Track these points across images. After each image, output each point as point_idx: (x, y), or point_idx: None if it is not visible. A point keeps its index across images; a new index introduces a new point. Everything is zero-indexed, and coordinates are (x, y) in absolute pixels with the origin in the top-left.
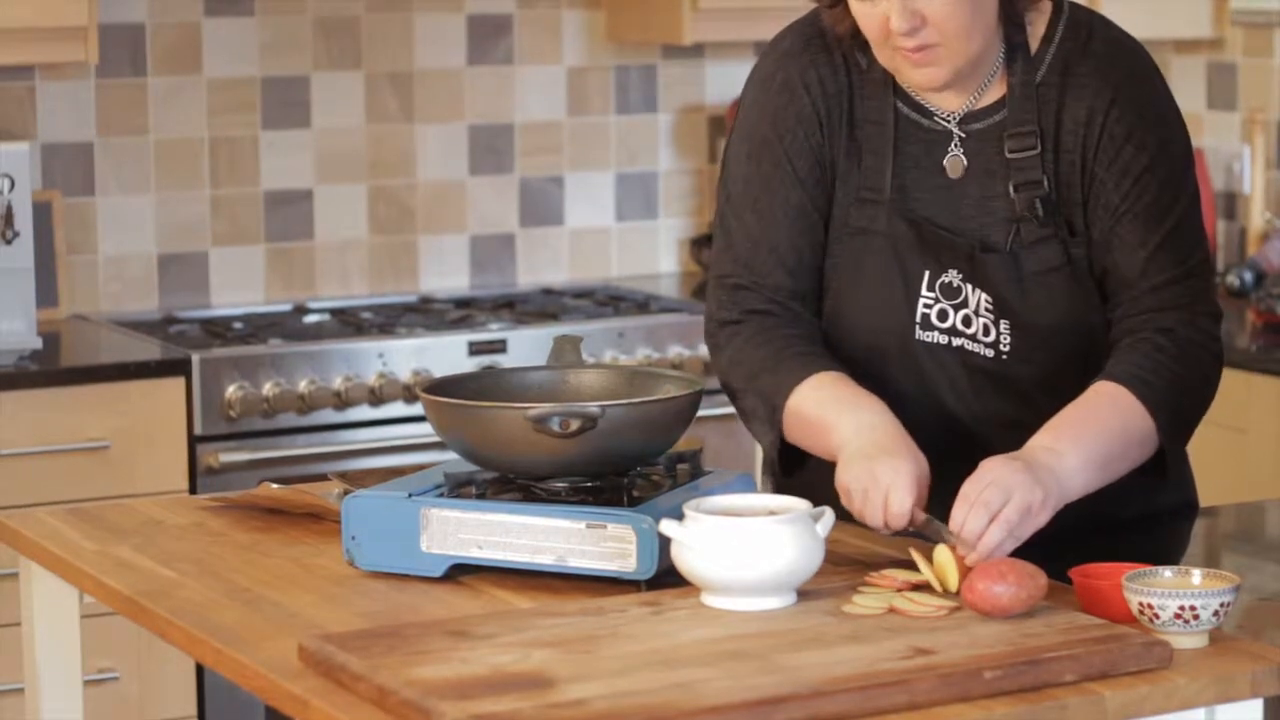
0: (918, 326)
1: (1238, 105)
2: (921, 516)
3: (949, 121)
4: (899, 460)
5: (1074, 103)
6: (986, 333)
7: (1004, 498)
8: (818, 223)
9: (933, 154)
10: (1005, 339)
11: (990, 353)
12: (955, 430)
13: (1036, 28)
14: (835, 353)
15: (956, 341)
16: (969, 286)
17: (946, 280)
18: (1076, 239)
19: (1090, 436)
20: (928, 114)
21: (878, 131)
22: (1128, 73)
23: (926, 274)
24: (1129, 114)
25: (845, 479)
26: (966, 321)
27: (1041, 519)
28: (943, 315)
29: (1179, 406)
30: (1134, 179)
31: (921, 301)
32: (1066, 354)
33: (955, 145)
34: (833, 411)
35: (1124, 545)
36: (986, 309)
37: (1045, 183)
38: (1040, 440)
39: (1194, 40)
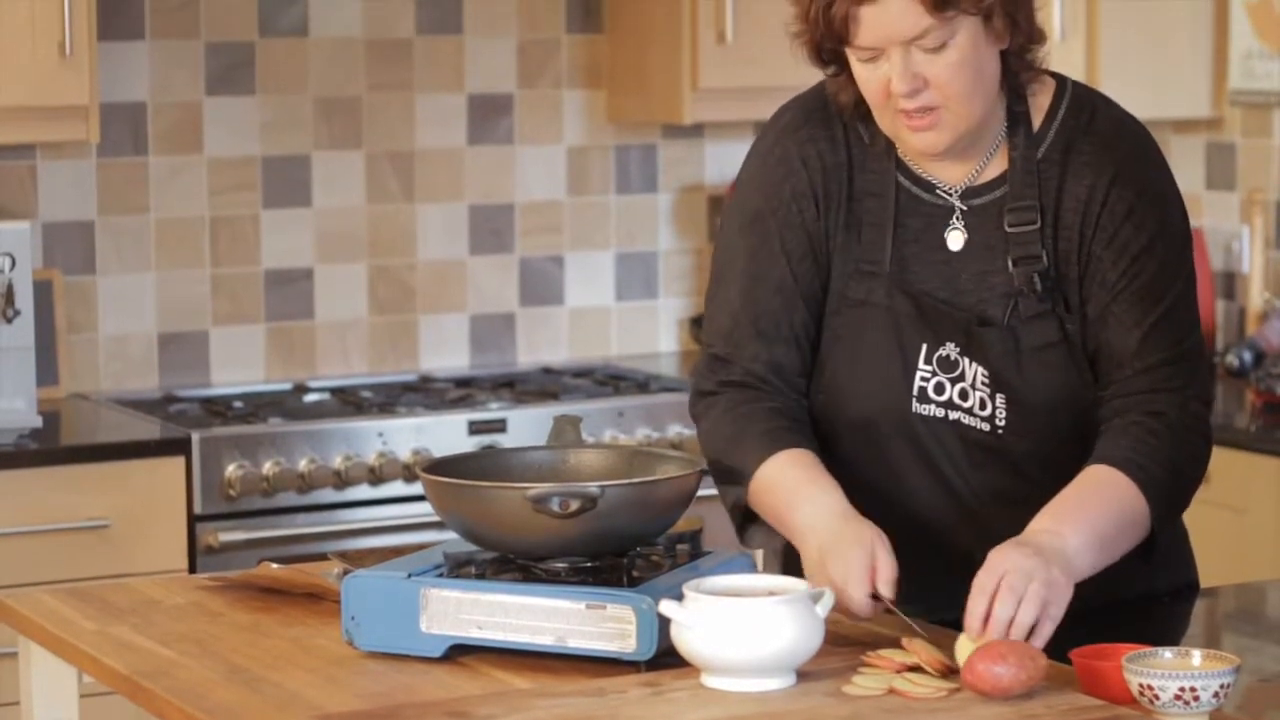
0: (915, 399)
1: (1237, 185)
2: (887, 595)
3: (951, 195)
4: (845, 553)
5: (1075, 180)
6: (983, 407)
7: (1026, 580)
8: (804, 299)
9: (933, 227)
10: (1001, 413)
11: (986, 427)
12: (953, 502)
13: (1039, 102)
14: (834, 424)
15: (953, 415)
16: (966, 360)
17: (944, 354)
18: (1071, 315)
19: (1089, 519)
20: (929, 188)
21: (878, 204)
22: (1129, 152)
23: (924, 347)
24: (1129, 193)
25: (811, 584)
26: (964, 395)
27: (1068, 593)
28: (940, 388)
29: (1171, 490)
30: (1132, 258)
31: (919, 374)
32: (1062, 429)
33: (957, 218)
34: (785, 500)
35: (1124, 626)
36: (983, 383)
37: (1044, 258)
38: (1040, 524)
39: (1193, 120)
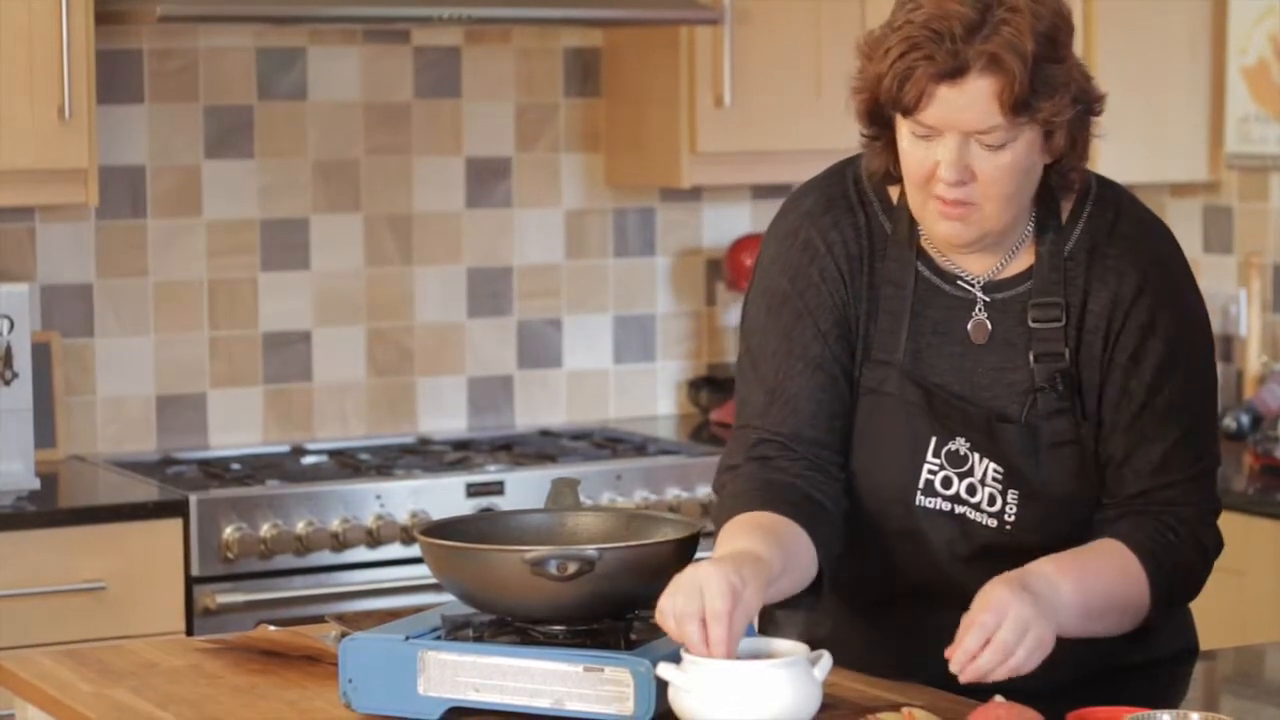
0: (919, 492)
1: (1234, 248)
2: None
3: (973, 287)
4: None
5: (1100, 286)
6: (992, 502)
7: (1020, 634)
8: (839, 375)
9: (953, 320)
10: (1011, 509)
11: (993, 523)
12: (952, 595)
13: (1065, 199)
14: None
15: (959, 509)
16: (976, 456)
17: (953, 448)
18: (1087, 420)
19: (1087, 584)
20: (951, 279)
21: (896, 293)
22: (1154, 259)
23: (933, 440)
24: (1154, 303)
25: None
26: (971, 490)
27: (1049, 649)
28: (946, 482)
29: (1174, 591)
30: (1155, 371)
31: (926, 467)
32: (1069, 525)
33: (979, 311)
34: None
35: (1123, 689)
36: (995, 479)
37: (1067, 355)
38: (1042, 569)
39: (1190, 183)
